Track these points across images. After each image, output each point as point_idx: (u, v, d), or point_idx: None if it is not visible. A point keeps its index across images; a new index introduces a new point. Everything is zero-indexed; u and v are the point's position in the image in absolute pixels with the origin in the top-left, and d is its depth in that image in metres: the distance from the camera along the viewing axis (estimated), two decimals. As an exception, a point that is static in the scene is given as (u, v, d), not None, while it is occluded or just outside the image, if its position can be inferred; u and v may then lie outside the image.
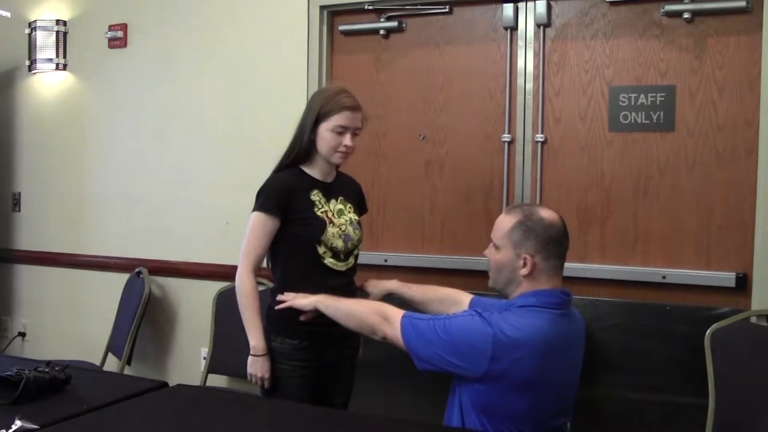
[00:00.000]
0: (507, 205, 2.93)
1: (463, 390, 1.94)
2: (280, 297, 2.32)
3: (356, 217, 2.46)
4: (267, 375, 2.31)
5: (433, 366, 1.91)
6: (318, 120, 2.33)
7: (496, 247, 2.01)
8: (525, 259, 1.94)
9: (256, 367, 2.31)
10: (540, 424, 1.92)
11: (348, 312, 2.15)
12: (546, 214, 1.98)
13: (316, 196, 2.36)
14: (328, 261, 2.34)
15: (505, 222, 2.00)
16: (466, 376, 1.90)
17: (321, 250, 2.33)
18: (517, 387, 1.85)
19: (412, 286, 2.44)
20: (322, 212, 2.35)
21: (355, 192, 2.54)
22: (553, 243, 1.95)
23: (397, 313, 2.00)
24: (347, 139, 2.32)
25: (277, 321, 2.33)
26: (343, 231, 2.37)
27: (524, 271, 1.94)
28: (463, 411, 1.94)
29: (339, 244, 2.35)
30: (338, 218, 2.38)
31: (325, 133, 2.32)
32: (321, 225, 2.32)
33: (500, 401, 1.88)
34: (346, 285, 2.38)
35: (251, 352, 2.32)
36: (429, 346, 1.90)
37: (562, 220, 2.02)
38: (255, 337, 2.31)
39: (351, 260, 2.41)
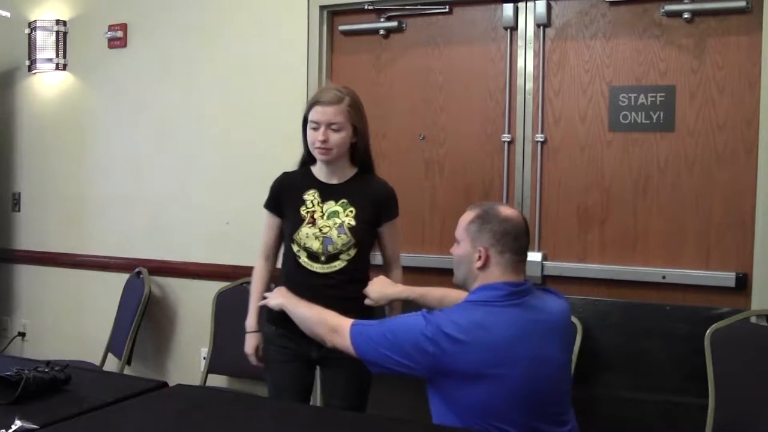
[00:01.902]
0: (507, 205, 2.94)
1: (430, 394, 1.95)
2: (266, 293, 2.43)
3: (353, 222, 2.37)
4: (251, 352, 2.49)
5: (384, 368, 1.94)
6: (305, 119, 2.40)
7: (457, 242, 2.04)
8: (480, 251, 1.95)
9: (246, 343, 2.51)
10: (521, 423, 1.87)
11: (302, 318, 2.18)
12: (505, 210, 2.01)
13: (310, 195, 2.39)
14: (303, 260, 2.38)
15: (465, 218, 2.03)
16: (417, 375, 1.91)
17: (295, 248, 2.38)
18: (466, 378, 1.85)
19: (424, 294, 2.32)
20: (306, 212, 2.38)
21: (374, 198, 2.43)
22: (509, 237, 1.95)
23: (345, 323, 2.02)
24: (319, 134, 2.32)
25: (265, 306, 2.43)
26: (324, 233, 2.35)
27: (478, 264, 1.96)
28: (435, 413, 1.95)
29: (314, 245, 2.35)
30: (325, 220, 2.37)
31: (307, 131, 2.38)
32: (296, 224, 2.37)
33: (456, 394, 1.88)
34: (326, 287, 2.35)
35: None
36: (378, 350, 1.93)
37: (524, 219, 2.03)
38: (249, 316, 2.51)
39: (336, 264, 2.36)
